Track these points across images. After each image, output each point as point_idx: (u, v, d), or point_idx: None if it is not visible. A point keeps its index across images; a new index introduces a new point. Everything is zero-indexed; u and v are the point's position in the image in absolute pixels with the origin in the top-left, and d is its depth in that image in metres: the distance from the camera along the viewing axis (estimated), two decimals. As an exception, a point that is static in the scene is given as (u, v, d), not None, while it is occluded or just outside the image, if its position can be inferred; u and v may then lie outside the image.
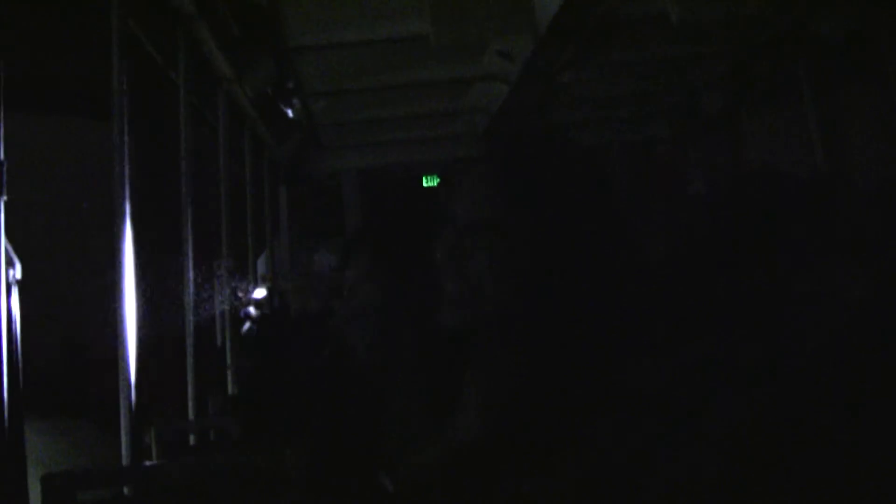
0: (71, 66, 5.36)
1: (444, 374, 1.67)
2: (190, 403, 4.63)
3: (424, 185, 8.64)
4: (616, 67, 6.48)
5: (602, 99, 7.42)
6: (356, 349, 2.54)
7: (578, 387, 1.40)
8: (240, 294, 6.38)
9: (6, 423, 2.62)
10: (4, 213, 2.80)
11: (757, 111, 7.40)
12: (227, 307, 5.67)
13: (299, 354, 4.33)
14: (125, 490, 3.29)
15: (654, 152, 8.65)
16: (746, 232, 2.41)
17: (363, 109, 7.33)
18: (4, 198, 2.79)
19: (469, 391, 1.49)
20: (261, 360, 5.36)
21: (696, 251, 2.45)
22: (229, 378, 5.38)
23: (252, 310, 6.58)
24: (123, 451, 3.40)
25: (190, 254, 4.58)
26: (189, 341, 4.62)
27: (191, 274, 4.59)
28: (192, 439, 4.47)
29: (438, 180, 8.63)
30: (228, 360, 5.48)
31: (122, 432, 3.41)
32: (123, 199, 3.53)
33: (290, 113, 6.98)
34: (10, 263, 2.91)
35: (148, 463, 3.56)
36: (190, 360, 4.62)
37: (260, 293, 6.88)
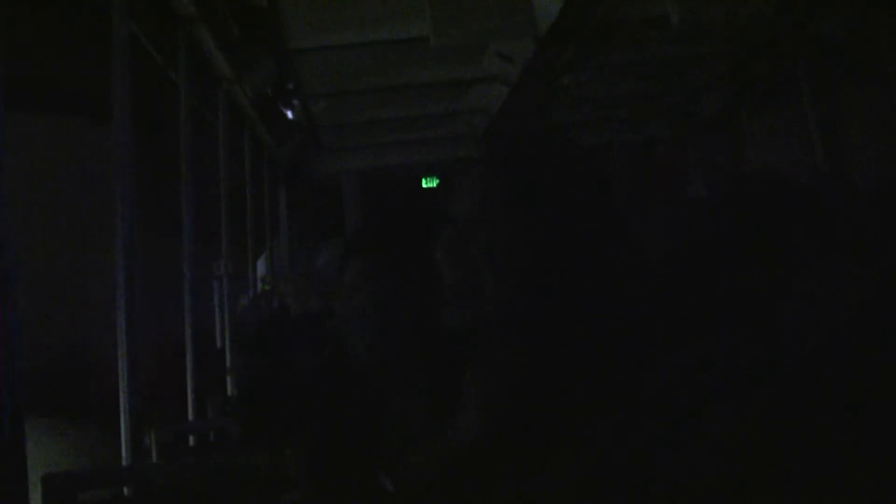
0: (71, 67, 5.36)
1: (444, 374, 1.67)
2: (190, 404, 4.63)
3: (424, 185, 8.65)
4: (616, 68, 6.49)
5: (602, 100, 7.42)
6: (356, 350, 2.54)
7: (578, 386, 1.40)
8: (240, 294, 6.39)
9: (6, 424, 2.62)
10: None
11: (757, 112, 7.40)
12: (226, 308, 5.67)
13: (299, 355, 4.33)
14: (125, 490, 3.29)
15: (655, 153, 8.65)
16: (746, 232, 2.42)
17: (363, 110, 7.34)
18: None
19: (469, 391, 1.49)
20: (260, 360, 5.36)
21: (696, 251, 2.45)
22: (229, 379, 5.38)
23: (251, 310, 6.58)
24: (123, 452, 3.40)
25: (189, 254, 4.59)
26: (188, 342, 4.62)
27: (190, 274, 4.59)
28: (191, 440, 4.48)
29: (438, 181, 8.64)
30: (228, 361, 5.49)
31: (122, 433, 3.41)
32: (124, 199, 3.54)
33: (289, 114, 6.99)
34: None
35: (148, 463, 3.56)
36: (189, 361, 4.62)
37: (259, 294, 6.88)
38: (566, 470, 1.31)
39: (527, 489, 1.33)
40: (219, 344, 5.67)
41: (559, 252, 1.44)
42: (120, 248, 3.49)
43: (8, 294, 2.62)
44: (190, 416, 4.61)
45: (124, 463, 3.39)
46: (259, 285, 7.21)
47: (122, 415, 3.41)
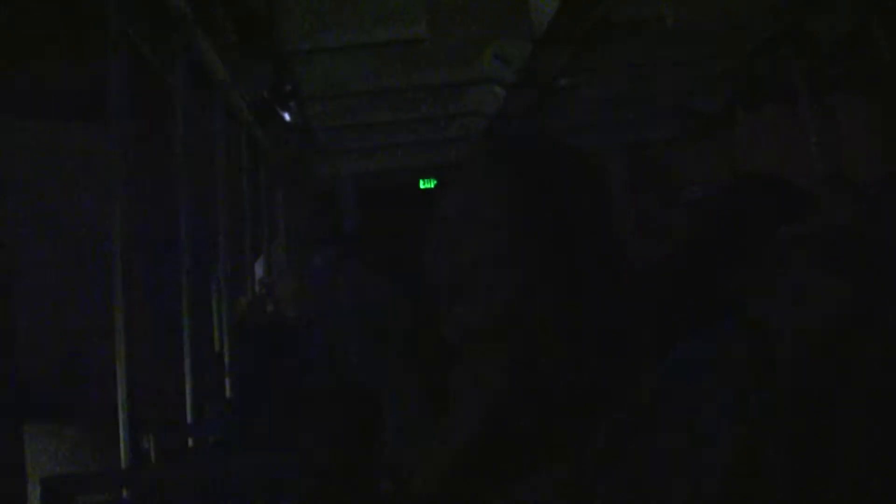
0: (68, 70, 5.36)
1: (439, 376, 1.68)
2: (188, 408, 4.63)
3: (421, 187, 8.65)
4: (612, 70, 6.50)
5: (598, 101, 7.43)
6: (350, 353, 2.55)
7: (576, 387, 1.40)
8: (237, 297, 6.38)
9: (5, 427, 2.63)
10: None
11: (753, 113, 7.41)
12: (224, 311, 5.67)
13: (296, 358, 4.33)
14: (124, 493, 3.29)
15: (651, 154, 8.66)
16: (743, 233, 2.42)
17: (360, 113, 7.34)
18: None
19: (465, 392, 1.49)
20: (258, 364, 5.36)
21: (693, 252, 2.46)
22: (227, 383, 5.37)
23: (248, 314, 6.58)
24: (122, 456, 3.40)
25: (187, 257, 4.59)
26: (186, 346, 4.62)
27: (188, 277, 4.59)
28: (190, 443, 4.47)
29: (435, 183, 8.64)
30: (226, 365, 5.48)
31: (121, 436, 3.41)
32: (122, 202, 3.54)
33: (287, 116, 6.99)
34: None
35: (147, 466, 3.56)
36: (188, 365, 4.62)
37: (255, 298, 6.87)
38: (566, 470, 1.31)
39: (525, 490, 1.33)
40: (217, 347, 5.67)
41: (554, 253, 1.45)
42: (117, 251, 3.49)
43: (6, 298, 2.62)
44: (189, 420, 4.61)
45: (123, 466, 3.38)
46: (257, 287, 7.21)
47: (120, 418, 3.41)
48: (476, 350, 1.46)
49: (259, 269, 7.72)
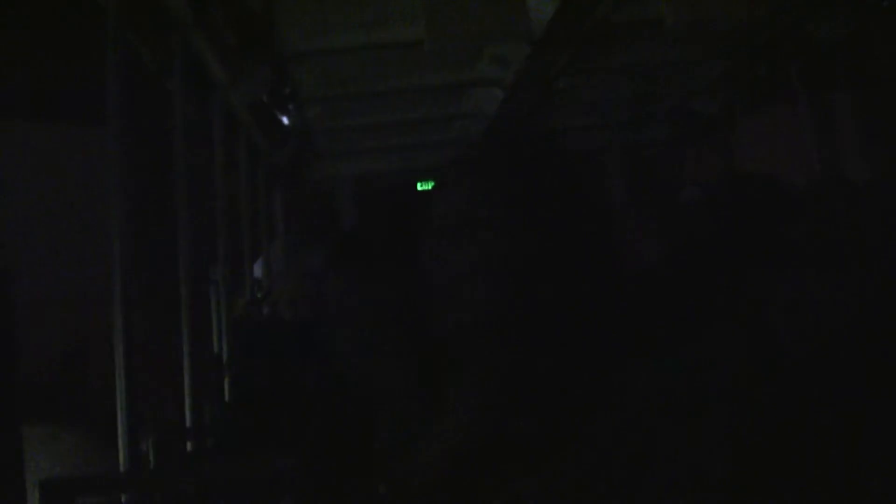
0: (66, 72, 5.36)
1: (437, 377, 1.67)
2: (187, 410, 4.62)
3: (419, 188, 8.65)
4: (611, 71, 6.50)
5: (597, 103, 7.43)
6: (347, 355, 2.54)
7: (575, 387, 1.40)
8: (236, 299, 6.38)
9: (3, 429, 2.63)
10: None
11: (753, 114, 7.41)
12: (223, 313, 5.67)
13: (294, 360, 4.33)
14: (123, 497, 3.28)
15: (650, 156, 8.66)
16: (741, 234, 2.42)
17: (359, 115, 7.34)
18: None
19: (462, 393, 1.49)
20: (256, 365, 5.36)
21: (692, 253, 2.45)
22: (226, 385, 5.37)
23: (248, 315, 6.58)
24: (121, 458, 3.39)
25: (186, 259, 4.59)
26: (185, 348, 4.62)
27: (187, 279, 4.59)
28: (189, 446, 4.47)
29: (433, 184, 8.62)
30: (225, 367, 5.48)
31: (120, 439, 3.41)
32: (120, 205, 3.54)
33: (285, 119, 6.98)
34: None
35: (146, 470, 3.56)
36: (187, 367, 4.61)
37: (252, 301, 6.87)
38: (564, 470, 1.31)
39: (524, 490, 1.33)
40: (215, 349, 5.67)
41: (549, 254, 1.44)
42: (116, 253, 3.49)
43: (5, 299, 2.62)
44: (187, 423, 4.61)
45: (122, 469, 3.38)
46: (255, 289, 7.21)
47: (119, 421, 3.40)
48: (472, 351, 1.46)
49: (257, 271, 7.72)
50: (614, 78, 6.72)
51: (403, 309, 2.29)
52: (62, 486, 2.80)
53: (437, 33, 4.82)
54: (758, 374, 1.44)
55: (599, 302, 1.46)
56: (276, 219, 8.47)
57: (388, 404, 2.28)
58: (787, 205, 2.51)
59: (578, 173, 1.55)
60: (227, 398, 5.31)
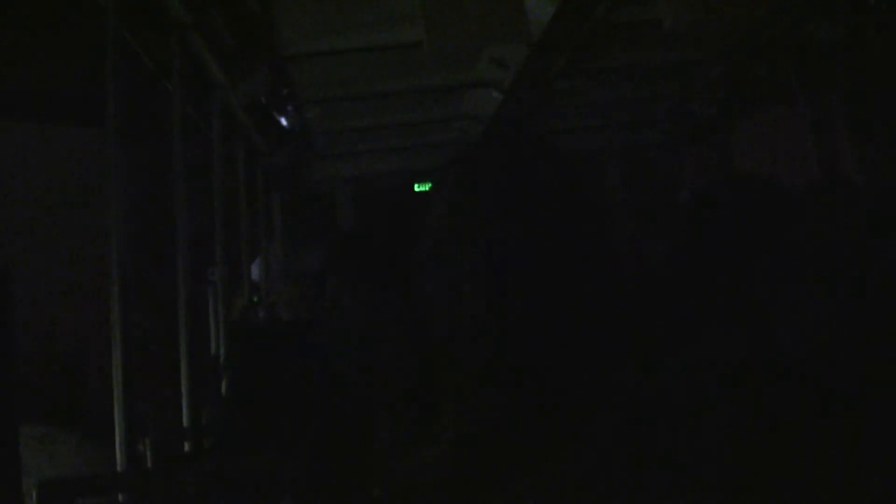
0: (65, 74, 5.36)
1: (436, 377, 1.67)
2: (184, 411, 4.61)
3: (416, 189, 8.63)
4: (610, 73, 6.50)
5: (596, 104, 7.43)
6: (343, 358, 2.54)
7: (571, 388, 1.40)
8: (233, 301, 6.37)
9: (2, 431, 2.62)
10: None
11: (752, 116, 7.41)
12: (221, 314, 5.66)
13: (292, 361, 4.32)
14: (120, 497, 3.28)
15: (649, 158, 8.66)
16: (740, 236, 2.42)
17: (357, 117, 7.33)
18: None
19: (463, 393, 1.49)
20: (255, 366, 5.35)
21: (690, 255, 2.45)
22: (223, 385, 5.36)
23: (245, 318, 6.57)
24: (118, 459, 3.39)
25: (184, 260, 4.58)
26: (183, 348, 4.61)
27: (184, 281, 4.58)
28: (186, 446, 4.46)
29: (430, 185, 8.62)
30: (223, 368, 5.47)
31: (117, 439, 3.40)
32: (118, 205, 3.54)
33: (284, 121, 6.98)
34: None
35: (143, 470, 3.55)
36: (184, 367, 4.61)
37: (250, 303, 6.87)
38: (563, 470, 1.31)
39: (524, 490, 1.33)
40: (213, 350, 5.67)
41: (548, 254, 1.44)
42: (115, 253, 3.49)
43: (4, 299, 2.62)
44: (185, 423, 4.60)
45: (119, 469, 3.37)
46: (252, 292, 7.20)
47: (116, 421, 3.40)
48: (471, 351, 1.45)
49: (255, 273, 7.71)
50: (613, 79, 6.71)
51: (402, 309, 2.29)
52: (60, 488, 2.80)
53: (437, 35, 4.81)
54: (757, 375, 1.43)
55: (599, 302, 1.46)
56: (273, 220, 8.46)
57: (387, 405, 2.27)
58: (787, 205, 2.51)
59: (577, 174, 1.55)
60: (225, 399, 5.30)
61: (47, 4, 4.73)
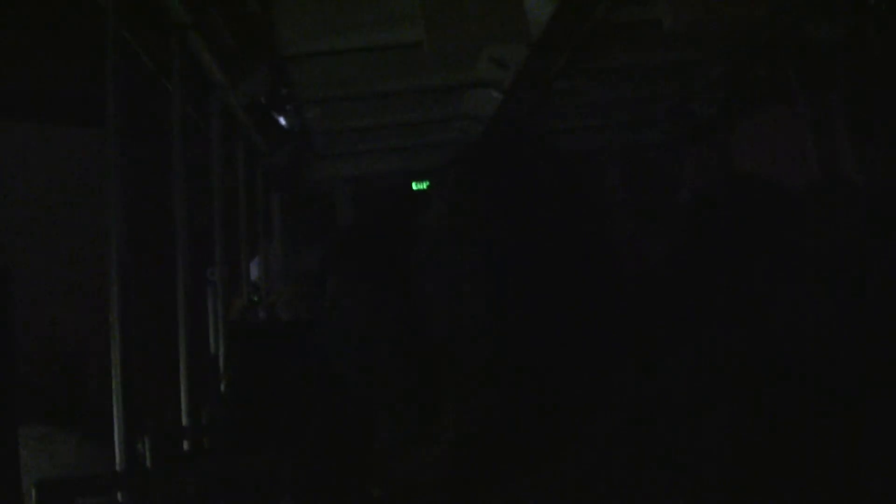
0: (65, 74, 5.36)
1: (436, 377, 1.67)
2: (183, 410, 4.62)
3: (414, 188, 8.63)
4: (610, 73, 6.50)
5: (596, 104, 7.43)
6: (342, 358, 2.54)
7: (570, 389, 1.40)
8: (233, 301, 6.38)
9: (1, 431, 2.62)
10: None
11: (752, 116, 7.41)
12: (220, 314, 5.66)
13: (291, 361, 4.32)
14: (119, 497, 3.28)
15: (649, 157, 8.66)
16: (739, 236, 2.42)
17: (357, 117, 7.34)
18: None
19: (462, 393, 1.49)
20: (254, 366, 5.35)
21: (690, 254, 2.45)
22: (223, 385, 5.36)
23: (244, 318, 6.57)
24: (117, 459, 3.39)
25: (183, 260, 4.58)
26: (182, 348, 4.62)
27: (184, 281, 4.59)
28: (186, 446, 4.46)
29: (428, 184, 8.62)
30: (222, 367, 5.48)
31: (116, 439, 3.40)
32: (117, 206, 3.53)
33: (283, 121, 6.98)
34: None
35: (142, 470, 3.55)
36: (183, 367, 4.61)
37: (249, 304, 6.87)
38: (563, 470, 1.31)
39: (524, 490, 1.33)
40: (212, 350, 5.67)
41: (547, 254, 1.44)
42: (114, 253, 3.49)
43: (3, 299, 2.62)
44: (184, 422, 4.60)
45: (118, 469, 3.37)
46: (251, 292, 7.20)
47: (115, 421, 3.40)
48: (471, 351, 1.45)
49: (254, 273, 7.71)
50: (613, 79, 6.71)
51: (402, 309, 2.29)
52: (59, 487, 2.80)
53: (437, 35, 4.81)
54: (757, 375, 1.43)
55: (599, 302, 1.46)
56: (274, 220, 8.47)
57: (386, 405, 2.27)
58: (787, 205, 2.51)
59: (577, 175, 1.55)
60: (224, 399, 5.30)
61: (47, 4, 4.73)
